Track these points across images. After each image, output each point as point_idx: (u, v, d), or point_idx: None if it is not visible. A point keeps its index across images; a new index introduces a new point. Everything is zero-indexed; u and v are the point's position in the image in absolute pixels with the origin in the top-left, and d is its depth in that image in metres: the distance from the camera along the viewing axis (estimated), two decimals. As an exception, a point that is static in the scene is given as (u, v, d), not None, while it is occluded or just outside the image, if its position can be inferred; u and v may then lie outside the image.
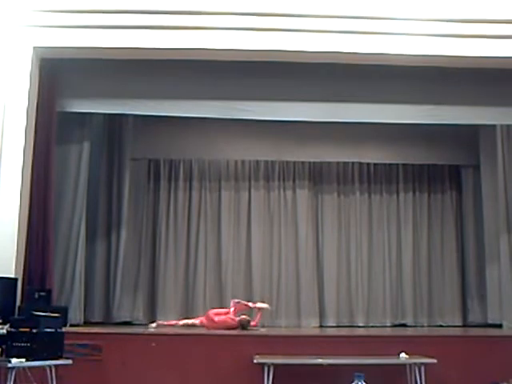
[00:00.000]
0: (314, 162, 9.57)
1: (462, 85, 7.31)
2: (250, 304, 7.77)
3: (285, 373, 5.76)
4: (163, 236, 9.19)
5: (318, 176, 9.60)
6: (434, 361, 5.81)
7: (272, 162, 9.55)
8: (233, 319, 7.37)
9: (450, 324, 9.08)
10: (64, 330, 5.41)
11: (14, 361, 4.77)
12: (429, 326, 9.09)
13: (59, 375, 5.17)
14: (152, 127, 8.80)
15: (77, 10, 6.73)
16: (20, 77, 6.70)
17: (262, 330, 7.38)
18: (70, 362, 5.24)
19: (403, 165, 9.67)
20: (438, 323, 9.15)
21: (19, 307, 6.06)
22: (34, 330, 4.97)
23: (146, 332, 6.99)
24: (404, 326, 9.07)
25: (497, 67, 7.06)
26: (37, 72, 6.92)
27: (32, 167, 6.78)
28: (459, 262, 9.46)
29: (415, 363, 5.87)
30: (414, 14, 6.85)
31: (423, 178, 9.71)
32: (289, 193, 9.50)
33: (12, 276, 6.19)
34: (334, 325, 9.00)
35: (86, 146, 7.93)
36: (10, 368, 4.75)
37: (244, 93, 7.32)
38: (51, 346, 5.08)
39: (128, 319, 8.63)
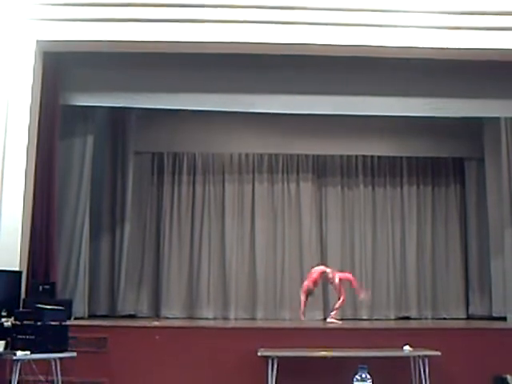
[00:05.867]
0: (317, 155, 9.56)
1: (467, 78, 7.29)
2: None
3: (289, 365, 5.77)
4: (167, 229, 9.21)
5: (321, 169, 9.60)
6: (438, 353, 5.81)
7: (276, 155, 9.54)
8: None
9: (453, 317, 9.10)
10: (68, 322, 5.41)
11: (19, 353, 4.78)
12: (433, 318, 9.11)
13: (64, 368, 5.18)
14: (155, 121, 8.79)
15: (80, 4, 6.73)
16: (23, 70, 6.70)
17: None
18: (74, 354, 5.25)
19: (407, 158, 9.65)
20: (442, 316, 9.16)
21: (24, 300, 6.08)
22: (39, 323, 4.99)
23: (150, 325, 7.00)
24: (408, 318, 9.09)
25: (502, 60, 7.02)
26: (40, 65, 6.92)
27: (36, 161, 6.79)
28: (463, 254, 9.45)
29: (419, 356, 5.87)
30: (418, 6, 6.82)
31: (427, 171, 9.69)
32: (292, 186, 9.49)
33: (16, 269, 6.21)
34: (338, 318, 8.98)
35: (90, 139, 7.95)
36: (15, 360, 4.78)
37: (248, 86, 7.30)
38: (56, 339, 5.09)
39: (132, 312, 8.67)
